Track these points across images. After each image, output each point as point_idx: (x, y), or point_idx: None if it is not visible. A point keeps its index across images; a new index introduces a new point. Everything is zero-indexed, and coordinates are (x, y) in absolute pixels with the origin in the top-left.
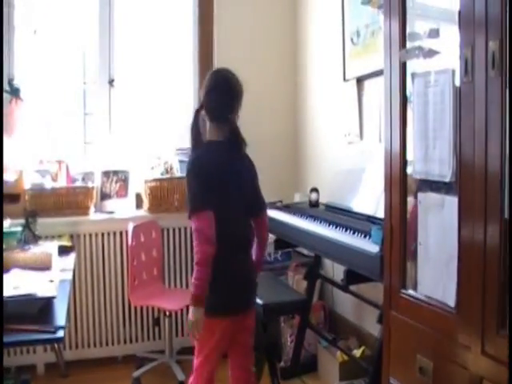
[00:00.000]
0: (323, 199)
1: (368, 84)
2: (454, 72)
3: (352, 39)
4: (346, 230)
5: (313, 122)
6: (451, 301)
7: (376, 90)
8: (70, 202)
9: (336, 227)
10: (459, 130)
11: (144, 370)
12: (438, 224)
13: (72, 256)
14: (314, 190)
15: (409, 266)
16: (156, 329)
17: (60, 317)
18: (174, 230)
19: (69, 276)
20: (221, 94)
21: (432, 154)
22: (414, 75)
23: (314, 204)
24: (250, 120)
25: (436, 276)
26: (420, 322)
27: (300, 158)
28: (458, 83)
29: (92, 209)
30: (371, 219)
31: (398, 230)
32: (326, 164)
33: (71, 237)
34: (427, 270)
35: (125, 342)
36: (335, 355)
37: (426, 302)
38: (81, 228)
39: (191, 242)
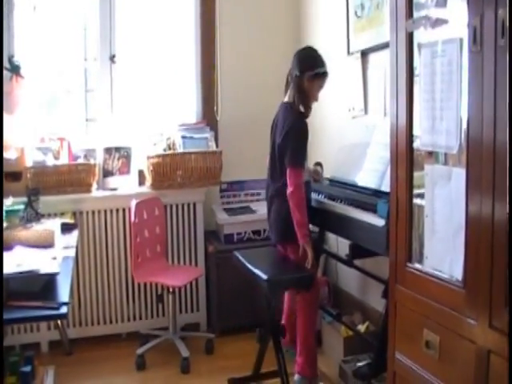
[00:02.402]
0: (327, 174)
1: (373, 57)
2: (461, 41)
3: (356, 12)
4: (350, 204)
5: None
6: (458, 274)
7: (381, 63)
8: (72, 179)
9: (341, 201)
10: (467, 100)
11: (148, 347)
12: (445, 196)
13: (75, 233)
14: (318, 164)
15: (415, 239)
16: (159, 306)
17: (63, 293)
18: (177, 206)
19: (72, 253)
20: None
21: (439, 126)
22: (420, 46)
23: (318, 179)
24: (251, 94)
25: (443, 249)
26: (426, 295)
27: None
28: (466, 53)
29: (94, 186)
30: (376, 193)
31: (405, 203)
32: (330, 138)
33: (74, 214)
34: (434, 243)
35: (128, 319)
36: (339, 330)
37: (432, 275)
38: (83, 205)
39: (194, 218)
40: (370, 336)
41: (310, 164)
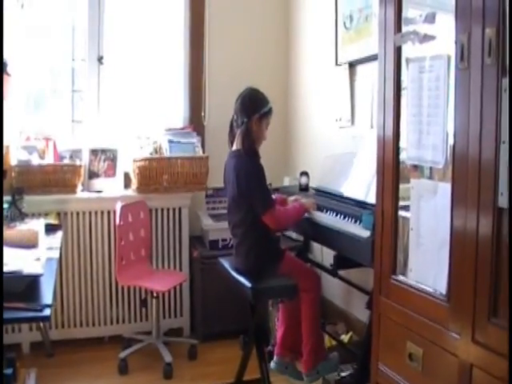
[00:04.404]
0: (313, 183)
1: (360, 69)
2: (449, 58)
3: (345, 23)
4: (336, 215)
5: (304, 106)
6: (442, 288)
7: (368, 75)
8: (57, 179)
9: (326, 211)
10: (454, 116)
11: (130, 351)
12: (431, 210)
13: (59, 234)
14: (304, 173)
15: (400, 251)
16: (143, 310)
17: (47, 295)
18: (162, 210)
19: (56, 254)
20: None
21: (425, 140)
22: (408, 60)
23: (304, 188)
24: None
25: (427, 262)
26: (410, 308)
27: (290, 141)
28: (453, 69)
29: (80, 187)
30: (362, 204)
31: (390, 215)
32: (317, 148)
33: (58, 215)
34: (419, 256)
35: (111, 322)
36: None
37: (416, 288)
38: (68, 206)
39: (179, 222)
40: (353, 346)
41: (296, 174)
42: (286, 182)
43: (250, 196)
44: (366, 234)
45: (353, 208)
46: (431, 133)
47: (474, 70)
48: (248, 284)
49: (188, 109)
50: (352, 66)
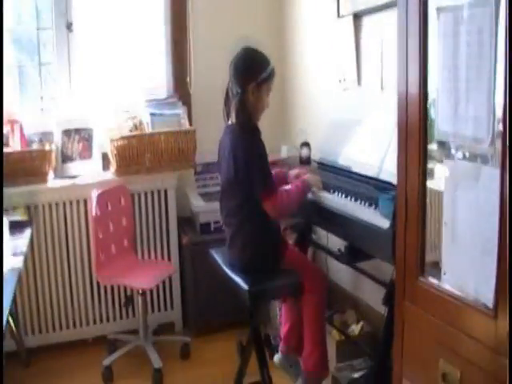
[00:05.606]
0: (315, 156)
1: (367, 21)
2: (497, 4)
3: None
4: (346, 196)
5: (302, 65)
6: (487, 298)
7: (377, 27)
8: (25, 168)
9: (334, 192)
10: (504, 79)
11: (115, 357)
12: (471, 201)
13: (27, 233)
14: (306, 144)
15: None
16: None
17: None
18: (145, 194)
19: (18, 264)
20: None
21: (464, 111)
22: (439, 10)
23: (306, 161)
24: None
25: (467, 265)
26: (444, 319)
27: (288, 105)
28: (502, 19)
29: (51, 175)
30: (376, 183)
31: (416, 202)
32: (318, 114)
33: (27, 209)
34: (454, 257)
35: (94, 322)
36: (331, 332)
37: (452, 295)
38: (38, 198)
39: (166, 206)
40: (365, 339)
41: (295, 142)
42: (284, 152)
43: (249, 179)
44: (385, 223)
45: (366, 187)
46: (471, 101)
47: None
48: (245, 286)
49: (171, 74)
50: (357, 17)
